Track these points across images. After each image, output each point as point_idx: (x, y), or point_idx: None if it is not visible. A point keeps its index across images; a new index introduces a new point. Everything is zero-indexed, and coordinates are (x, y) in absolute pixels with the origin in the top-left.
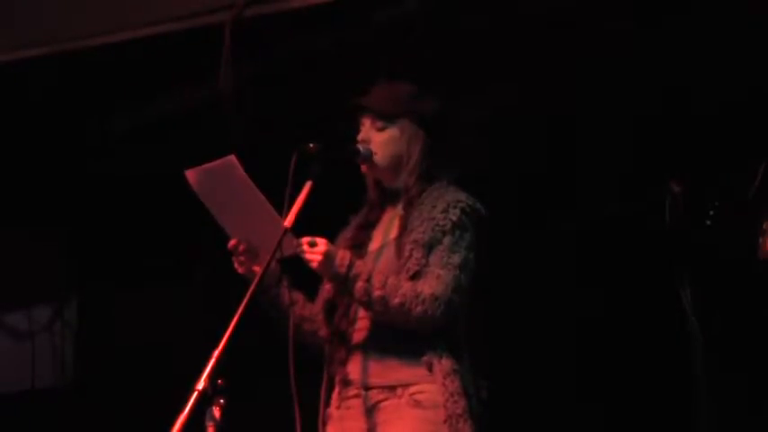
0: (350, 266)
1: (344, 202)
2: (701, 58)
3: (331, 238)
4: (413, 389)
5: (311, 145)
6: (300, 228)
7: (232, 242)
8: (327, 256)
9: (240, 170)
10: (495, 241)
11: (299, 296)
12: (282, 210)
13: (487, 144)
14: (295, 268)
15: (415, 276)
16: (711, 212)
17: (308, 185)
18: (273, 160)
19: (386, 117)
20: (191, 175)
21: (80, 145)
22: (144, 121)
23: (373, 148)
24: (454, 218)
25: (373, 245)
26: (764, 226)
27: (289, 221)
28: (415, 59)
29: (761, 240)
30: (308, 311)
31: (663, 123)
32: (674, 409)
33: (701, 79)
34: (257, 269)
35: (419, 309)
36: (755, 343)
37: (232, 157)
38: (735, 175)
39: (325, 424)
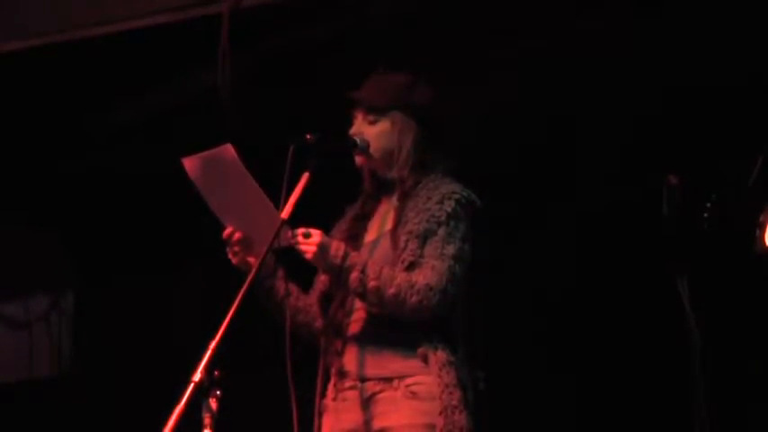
0: (345, 257)
1: (340, 193)
2: (698, 49)
3: (326, 229)
4: (409, 380)
5: (308, 136)
6: (296, 219)
7: (227, 231)
8: (322, 247)
9: (237, 159)
10: (493, 234)
11: (293, 287)
12: (279, 201)
13: (486, 136)
14: (289, 259)
15: (410, 267)
16: (709, 205)
17: (304, 177)
18: (270, 152)
19: (377, 110)
20: (188, 162)
21: (76, 137)
22: (140, 113)
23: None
24: (449, 209)
25: (369, 236)
26: (761, 219)
27: (285, 213)
28: (412, 51)
29: (758, 233)
30: (302, 302)
31: (660, 115)
32: (671, 405)
33: (698, 71)
34: (252, 260)
35: (414, 299)
36: (754, 338)
37: (228, 145)
38: (732, 168)
39: (320, 415)
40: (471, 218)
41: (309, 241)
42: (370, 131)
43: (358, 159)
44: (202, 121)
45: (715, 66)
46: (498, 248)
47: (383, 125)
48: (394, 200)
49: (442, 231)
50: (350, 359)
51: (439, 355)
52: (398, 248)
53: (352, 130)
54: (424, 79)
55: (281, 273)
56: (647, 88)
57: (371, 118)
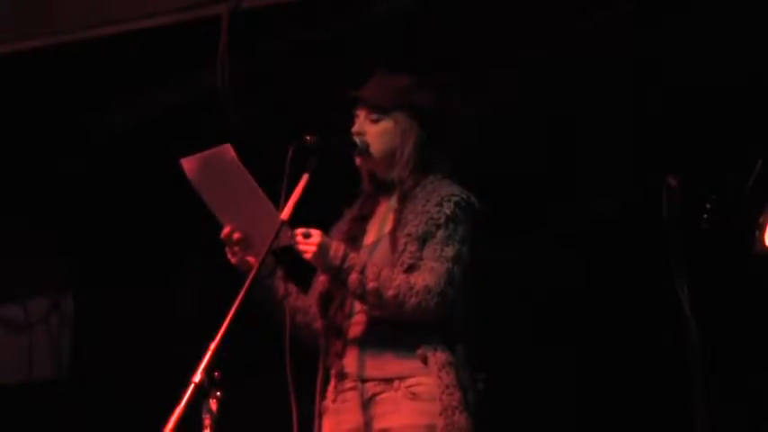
0: (344, 258)
1: (340, 194)
2: (698, 54)
3: (326, 230)
4: (409, 381)
5: (308, 137)
6: (295, 219)
7: (226, 231)
8: (321, 248)
9: (235, 159)
10: (493, 233)
11: (293, 287)
12: (279, 202)
13: (487, 140)
14: (288, 260)
15: (409, 269)
16: (709, 206)
17: (304, 178)
18: (270, 153)
19: (380, 109)
20: (186, 163)
21: (75, 137)
22: (140, 114)
23: (368, 140)
24: (448, 211)
25: (368, 238)
26: (761, 220)
27: (285, 214)
28: (412, 52)
29: (758, 234)
30: (301, 303)
31: (660, 116)
32: (670, 408)
33: (698, 71)
34: (251, 259)
35: (413, 300)
36: (754, 341)
37: (227, 146)
38: (732, 170)
39: (321, 416)
40: (470, 220)
41: (309, 241)
42: (373, 130)
43: (357, 160)
44: (202, 122)
45: (715, 66)
46: (498, 248)
47: (386, 124)
48: (393, 201)
49: (440, 234)
50: (350, 360)
51: (438, 356)
52: (397, 250)
53: (355, 129)
54: (425, 81)
55: (280, 273)
56: (647, 88)
57: (374, 117)
